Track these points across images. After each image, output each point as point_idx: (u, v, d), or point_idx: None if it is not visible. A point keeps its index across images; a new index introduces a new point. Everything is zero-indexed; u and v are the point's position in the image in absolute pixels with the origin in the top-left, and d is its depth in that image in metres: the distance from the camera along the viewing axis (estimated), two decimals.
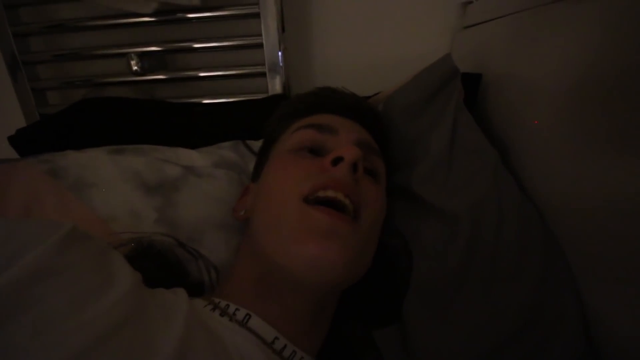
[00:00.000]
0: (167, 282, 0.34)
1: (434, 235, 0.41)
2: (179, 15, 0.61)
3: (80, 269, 0.24)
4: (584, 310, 0.36)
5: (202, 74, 0.65)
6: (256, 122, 0.49)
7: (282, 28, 0.60)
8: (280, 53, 0.61)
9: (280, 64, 0.61)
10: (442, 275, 0.39)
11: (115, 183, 0.44)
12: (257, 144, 0.53)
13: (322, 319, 0.35)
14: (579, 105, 0.36)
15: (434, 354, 0.37)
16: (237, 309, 0.31)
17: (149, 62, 0.65)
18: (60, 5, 0.66)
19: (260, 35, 0.60)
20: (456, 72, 0.48)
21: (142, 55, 0.64)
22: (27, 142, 0.53)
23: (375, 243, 0.36)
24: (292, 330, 0.31)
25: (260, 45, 0.61)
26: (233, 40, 0.63)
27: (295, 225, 0.30)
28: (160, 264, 0.39)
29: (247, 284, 0.33)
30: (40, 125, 0.57)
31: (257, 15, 0.59)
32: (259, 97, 0.62)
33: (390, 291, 0.42)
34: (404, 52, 0.68)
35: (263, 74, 0.63)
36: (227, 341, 0.28)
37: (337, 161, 0.32)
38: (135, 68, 0.64)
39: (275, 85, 0.62)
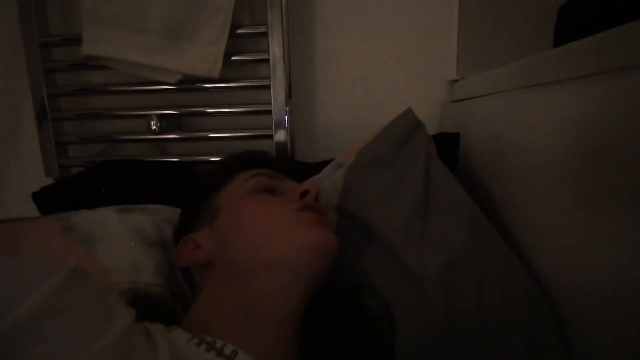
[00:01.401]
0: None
1: (414, 299, 0.41)
2: (198, 85, 0.68)
3: (83, 306, 0.25)
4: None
5: (213, 135, 0.71)
6: None
7: (290, 94, 0.67)
8: (286, 117, 0.67)
9: (286, 127, 0.67)
10: (426, 341, 0.38)
11: (120, 237, 0.47)
12: None
13: (294, 348, 0.36)
14: (554, 167, 0.40)
15: None
16: (224, 345, 0.32)
17: (167, 122, 0.72)
18: (92, 72, 0.74)
19: (270, 103, 0.67)
20: (419, 123, 0.53)
21: (161, 117, 0.70)
22: (48, 199, 0.57)
23: None
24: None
25: (268, 112, 0.68)
26: (244, 107, 0.70)
27: (296, 223, 0.37)
28: (152, 313, 0.40)
29: (234, 320, 0.35)
30: (61, 185, 0.63)
31: (267, 87, 0.67)
32: None
33: (374, 358, 0.41)
34: None
35: (269, 136, 0.69)
36: None
37: (304, 194, 0.42)
38: (154, 128, 0.70)
39: (280, 144, 0.68)
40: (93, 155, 0.74)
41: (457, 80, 0.71)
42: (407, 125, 0.52)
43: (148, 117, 0.70)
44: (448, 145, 0.60)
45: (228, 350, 0.31)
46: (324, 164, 0.62)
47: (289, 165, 0.51)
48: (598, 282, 0.33)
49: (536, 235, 0.44)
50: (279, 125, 0.67)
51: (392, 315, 0.41)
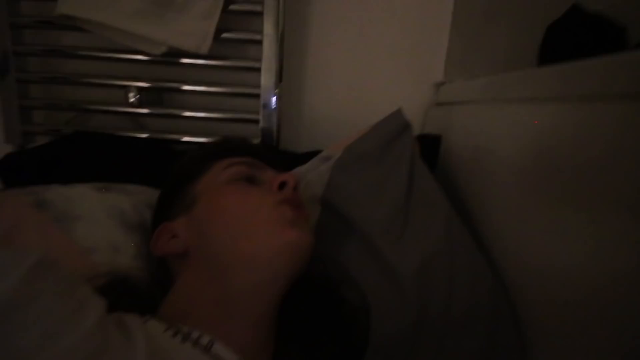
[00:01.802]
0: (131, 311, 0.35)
1: (390, 293, 0.43)
2: (183, 59, 0.65)
3: (51, 299, 0.24)
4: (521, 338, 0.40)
5: (195, 114, 0.68)
6: None
7: (280, 77, 0.66)
8: (274, 102, 0.66)
9: (274, 112, 0.66)
10: (399, 334, 0.41)
11: (99, 217, 0.45)
12: None
13: (269, 340, 0.36)
14: (521, 175, 0.44)
15: None
16: (200, 335, 0.31)
17: (146, 96, 0.68)
18: (65, 33, 0.68)
19: (258, 86, 0.66)
20: (407, 125, 0.55)
21: (140, 89, 0.67)
22: (13, 169, 0.53)
23: None
24: (251, 353, 0.33)
25: (257, 96, 0.66)
26: (231, 88, 0.68)
27: (275, 220, 0.36)
28: (130, 298, 0.39)
29: (210, 311, 0.35)
30: (28, 154, 0.58)
31: (256, 69, 0.65)
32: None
33: (350, 349, 0.42)
34: (382, 117, 0.77)
35: (255, 121, 0.68)
36: None
37: (282, 185, 0.41)
38: (132, 100, 0.66)
39: (267, 130, 0.67)
40: (61, 124, 0.69)
41: (443, 83, 0.73)
42: (397, 126, 0.54)
43: (126, 89, 0.66)
44: (430, 146, 0.63)
45: (204, 340, 0.31)
46: (310, 154, 0.62)
47: (270, 154, 0.49)
48: (552, 275, 0.37)
49: (501, 234, 0.48)
50: (267, 110, 0.66)
51: (369, 307, 0.43)
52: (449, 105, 0.69)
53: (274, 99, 0.66)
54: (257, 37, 0.64)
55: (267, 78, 0.65)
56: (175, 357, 0.29)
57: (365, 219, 0.47)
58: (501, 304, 0.42)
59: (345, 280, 0.44)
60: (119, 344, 0.26)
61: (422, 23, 0.72)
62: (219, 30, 0.61)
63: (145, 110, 0.67)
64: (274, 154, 0.52)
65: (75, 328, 0.23)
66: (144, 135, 0.67)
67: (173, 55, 0.64)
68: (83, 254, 0.42)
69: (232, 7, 0.63)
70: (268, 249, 0.35)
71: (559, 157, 0.38)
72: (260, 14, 0.63)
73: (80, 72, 0.68)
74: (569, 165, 0.36)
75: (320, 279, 0.43)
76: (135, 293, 0.40)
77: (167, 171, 0.56)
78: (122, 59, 0.66)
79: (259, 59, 0.65)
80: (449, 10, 0.70)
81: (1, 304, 0.21)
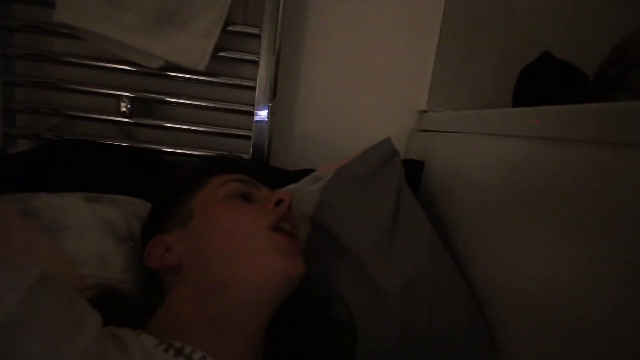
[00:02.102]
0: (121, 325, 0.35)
1: (376, 311, 0.45)
2: (177, 73, 0.66)
3: (54, 313, 0.24)
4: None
5: (189, 127, 0.69)
6: None
7: (274, 95, 0.68)
8: (267, 120, 0.68)
9: (267, 130, 0.68)
10: (384, 351, 0.43)
11: (88, 229, 0.45)
12: None
13: (259, 358, 0.37)
14: (495, 199, 0.48)
15: None
16: (193, 351, 0.32)
17: (138, 106, 0.68)
18: (58, 39, 0.67)
19: (251, 104, 0.68)
20: (395, 152, 0.59)
21: (133, 99, 0.67)
22: None
23: None
24: None
25: (250, 113, 0.68)
26: (224, 104, 0.69)
27: (269, 248, 0.37)
28: (121, 311, 0.39)
29: (201, 327, 0.35)
30: (14, 159, 0.56)
31: (249, 88, 0.67)
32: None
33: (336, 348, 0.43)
34: (368, 139, 0.80)
35: (247, 137, 0.69)
36: None
37: (278, 203, 0.42)
38: (123, 109, 0.66)
39: (258, 146, 0.68)
40: (45, 129, 0.68)
41: (426, 112, 0.78)
42: (386, 153, 0.57)
43: (119, 98, 0.66)
44: (413, 170, 0.67)
45: (197, 356, 0.31)
46: (300, 172, 0.64)
47: (264, 172, 0.51)
48: (521, 290, 0.41)
49: (475, 254, 0.52)
50: (259, 125, 0.68)
51: (355, 324, 0.45)
52: (431, 132, 0.74)
53: (266, 115, 0.67)
54: (254, 57, 0.67)
55: (261, 96, 0.67)
56: None
57: (354, 239, 0.49)
58: (478, 324, 0.45)
59: (333, 297, 0.46)
60: (116, 358, 0.26)
61: (409, 55, 0.77)
62: (216, 48, 0.63)
63: (142, 121, 0.67)
64: (267, 172, 0.53)
65: (77, 342, 0.24)
66: (133, 145, 0.67)
67: (167, 68, 0.65)
68: (71, 266, 0.41)
69: (231, 27, 0.65)
70: (261, 274, 0.35)
71: (525, 187, 0.43)
72: (257, 37, 0.66)
73: (69, 78, 0.67)
74: (533, 195, 0.41)
75: (308, 296, 0.44)
76: (125, 306, 0.40)
77: (155, 182, 0.56)
78: (115, 69, 0.66)
79: (254, 78, 0.67)
80: (434, 45, 0.76)
81: (6, 318, 0.22)
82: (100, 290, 0.39)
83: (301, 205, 0.53)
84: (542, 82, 0.54)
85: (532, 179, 0.43)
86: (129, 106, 0.67)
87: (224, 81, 0.69)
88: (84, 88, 0.66)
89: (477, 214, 0.53)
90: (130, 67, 0.65)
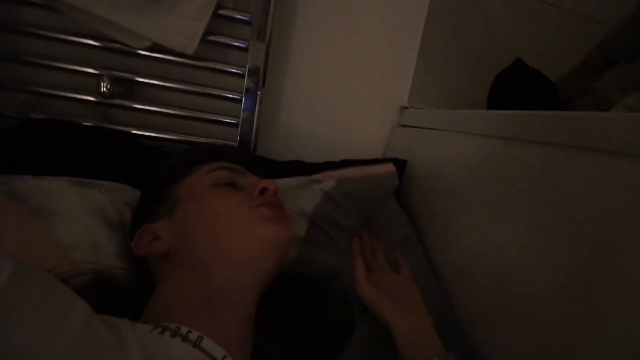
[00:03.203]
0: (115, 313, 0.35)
1: None
2: (163, 55, 0.64)
3: (37, 303, 0.23)
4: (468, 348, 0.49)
5: (173, 111, 0.67)
6: None
7: (263, 83, 0.68)
8: (256, 108, 0.68)
9: (254, 118, 0.68)
10: (373, 335, 0.46)
11: (79, 214, 0.44)
12: None
13: (249, 335, 0.38)
14: (464, 188, 0.54)
15: None
16: (189, 331, 0.32)
17: (118, 87, 0.66)
18: (31, 9, 0.62)
19: (240, 91, 0.67)
20: (396, 186, 0.64)
21: (114, 79, 0.64)
22: None
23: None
24: (234, 348, 0.34)
25: (237, 100, 0.68)
26: (211, 89, 0.68)
27: (252, 219, 0.38)
28: (115, 297, 0.39)
29: (195, 308, 0.35)
30: None
31: (241, 75, 0.67)
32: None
33: (329, 344, 0.45)
34: (352, 133, 0.83)
35: (233, 124, 0.69)
36: None
37: (263, 190, 0.43)
38: (103, 90, 0.63)
39: (245, 134, 0.69)
40: (15, 106, 0.63)
41: (407, 108, 0.82)
42: (388, 190, 0.64)
43: (99, 77, 0.63)
44: (397, 168, 0.69)
45: (193, 336, 0.32)
46: (289, 164, 0.66)
47: (252, 160, 0.51)
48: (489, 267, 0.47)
49: (447, 239, 0.58)
50: (247, 113, 0.68)
51: (351, 303, 0.48)
52: (411, 128, 0.78)
53: (255, 103, 0.68)
54: (244, 43, 0.66)
55: (250, 83, 0.67)
56: (167, 352, 0.29)
57: (346, 242, 0.54)
58: (447, 311, 0.52)
59: (332, 277, 0.49)
60: (110, 345, 0.26)
61: (394, 51, 0.80)
62: (205, 32, 0.62)
63: (125, 103, 0.65)
64: (255, 160, 0.53)
65: (65, 330, 0.23)
66: (114, 128, 0.64)
67: (152, 50, 0.63)
68: (64, 250, 0.40)
69: (222, 11, 0.64)
70: (247, 240, 0.36)
71: (490, 182, 0.50)
72: (248, 23, 0.65)
73: (43, 52, 0.62)
74: (497, 189, 0.47)
75: (308, 275, 0.47)
76: (120, 291, 0.40)
77: (137, 166, 0.57)
78: (95, 46, 0.62)
79: (242, 65, 0.67)
80: (417, 43, 0.80)
81: None
82: (96, 276, 0.39)
83: (300, 201, 0.55)
84: (514, 87, 0.59)
85: (497, 175, 0.48)
86: (109, 86, 0.64)
87: (212, 66, 0.67)
88: (61, 65, 0.62)
89: (448, 205, 0.59)
90: (111, 44, 0.62)
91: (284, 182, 0.58)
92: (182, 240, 0.39)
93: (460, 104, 0.79)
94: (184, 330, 0.32)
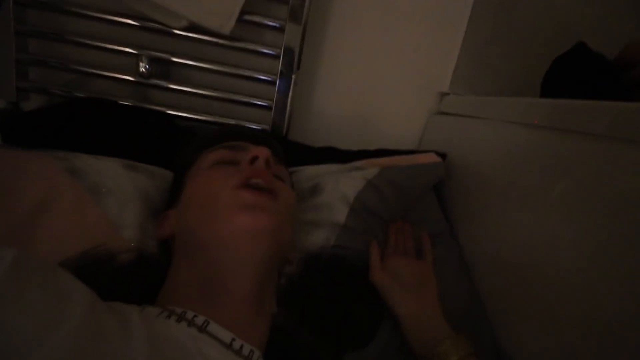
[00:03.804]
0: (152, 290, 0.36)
1: None
2: (199, 35, 0.64)
3: (37, 291, 0.22)
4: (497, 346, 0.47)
5: (210, 93, 0.67)
6: None
7: (298, 66, 0.66)
8: (290, 90, 0.66)
9: (288, 101, 0.67)
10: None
11: (130, 196, 0.45)
12: None
13: (260, 316, 0.37)
14: (509, 185, 0.51)
15: None
16: (195, 316, 0.32)
17: (156, 67, 0.66)
18: None
19: (275, 73, 0.66)
20: (441, 177, 0.62)
21: (152, 59, 0.64)
22: (15, 129, 0.50)
23: (291, 228, 0.42)
24: (243, 330, 0.33)
25: (273, 83, 0.66)
26: (248, 72, 0.67)
27: (230, 206, 0.35)
28: (154, 276, 0.40)
29: (198, 290, 0.35)
30: (34, 115, 0.54)
31: (276, 56, 0.65)
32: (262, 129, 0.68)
33: (368, 315, 0.46)
34: (384, 121, 0.80)
35: (267, 107, 0.68)
36: (190, 347, 0.29)
37: (253, 160, 0.40)
38: (142, 70, 0.64)
39: (278, 118, 0.67)
40: (59, 85, 0.65)
41: (447, 94, 0.77)
42: (432, 176, 0.62)
43: (138, 57, 0.63)
44: None
45: (199, 320, 0.31)
46: (323, 150, 0.64)
47: (259, 134, 0.49)
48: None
49: (484, 233, 0.56)
50: (281, 96, 0.67)
51: None
52: (450, 115, 0.73)
53: (290, 86, 0.66)
54: (279, 23, 0.64)
55: (285, 65, 0.65)
56: (172, 337, 0.29)
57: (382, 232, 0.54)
58: (475, 299, 0.51)
59: (362, 262, 0.49)
60: (113, 330, 0.25)
61: (436, 35, 0.75)
62: (241, 12, 0.60)
63: (162, 83, 0.65)
64: (265, 136, 0.50)
65: (67, 318, 0.22)
66: (151, 108, 0.65)
67: (189, 29, 0.62)
68: (114, 229, 0.42)
69: None
70: (227, 231, 0.35)
71: (536, 177, 0.46)
72: (285, 2, 0.63)
73: (85, 32, 0.64)
74: (547, 186, 0.43)
75: (339, 260, 0.47)
76: (158, 271, 0.40)
77: (170, 147, 0.57)
78: (133, 26, 0.63)
79: (278, 46, 0.65)
80: (463, 26, 0.74)
81: None
82: (140, 254, 0.40)
83: (342, 187, 0.54)
84: (574, 73, 0.53)
85: (544, 168, 0.45)
86: (147, 66, 0.65)
87: (247, 47, 0.66)
88: (102, 44, 0.63)
89: (487, 199, 0.55)
90: (148, 23, 0.62)
91: (324, 168, 0.57)
92: (181, 223, 0.39)
93: (506, 91, 0.73)
94: (189, 314, 0.32)
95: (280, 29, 0.64)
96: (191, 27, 0.61)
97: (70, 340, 0.21)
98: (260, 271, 0.36)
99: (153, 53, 0.64)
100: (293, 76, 0.66)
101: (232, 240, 0.34)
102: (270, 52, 0.66)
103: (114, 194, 0.44)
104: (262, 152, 0.41)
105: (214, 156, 0.42)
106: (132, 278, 0.38)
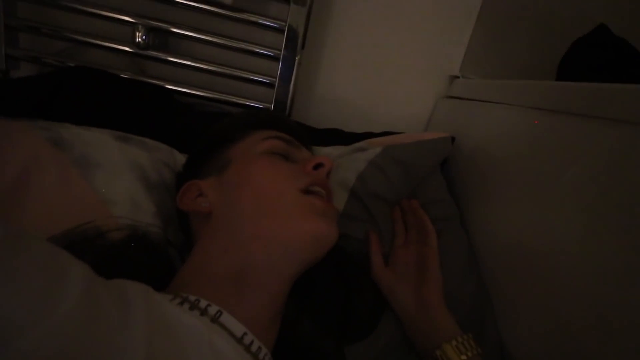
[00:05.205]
0: (147, 270, 0.34)
1: None
2: (203, 5, 0.60)
3: (30, 270, 0.21)
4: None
5: (211, 68, 0.64)
6: None
7: (303, 45, 0.63)
8: (294, 69, 0.63)
9: (292, 80, 0.64)
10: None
11: (120, 169, 0.43)
12: None
13: (278, 315, 0.36)
14: (518, 171, 0.49)
15: None
16: (208, 305, 0.30)
17: (154, 38, 0.63)
18: None
19: (279, 49, 0.63)
20: (449, 153, 0.59)
21: (149, 29, 0.61)
22: (8, 98, 0.48)
23: None
24: (258, 327, 0.32)
25: (276, 58, 0.63)
26: (251, 46, 0.64)
27: (301, 208, 0.35)
28: (149, 254, 0.38)
29: (221, 282, 0.33)
30: (26, 83, 0.51)
31: (281, 31, 0.62)
32: (262, 106, 0.65)
33: (369, 305, 0.45)
34: (391, 103, 0.77)
35: (269, 84, 0.65)
36: (202, 336, 0.27)
37: (317, 166, 0.41)
38: (138, 40, 0.61)
39: (281, 97, 0.65)
40: (51, 53, 0.62)
41: (458, 77, 0.74)
42: (441, 154, 0.58)
43: (134, 26, 0.60)
44: None
45: (212, 310, 0.30)
46: (327, 131, 0.62)
47: (307, 134, 0.49)
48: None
49: (493, 222, 0.53)
50: (285, 75, 0.64)
51: None
52: (459, 99, 0.71)
53: (294, 63, 0.63)
54: None
55: (289, 40, 0.62)
56: (178, 325, 0.27)
57: (386, 218, 0.51)
58: (481, 286, 0.49)
59: (362, 252, 0.47)
60: (111, 312, 0.23)
61: (448, 15, 0.72)
62: None
63: (160, 55, 0.62)
64: (309, 134, 0.50)
65: (62, 297, 0.21)
66: (147, 80, 0.62)
67: None
68: (103, 204, 0.39)
69: None
70: (292, 232, 0.34)
71: (549, 162, 0.44)
72: None
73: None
74: (559, 172, 0.41)
75: (339, 250, 0.44)
76: (154, 249, 0.39)
77: (167, 122, 0.56)
78: None
79: (283, 19, 0.62)
80: (476, 7, 0.71)
81: None
82: (132, 232, 0.38)
83: (341, 171, 0.52)
84: (594, 56, 0.51)
85: (558, 154, 0.43)
86: (144, 37, 0.61)
87: (251, 18, 0.63)
88: (97, 11, 0.59)
89: (496, 186, 0.53)
90: None
91: (324, 151, 0.55)
92: (226, 203, 0.37)
93: (518, 75, 0.71)
94: (203, 303, 0.30)
95: (286, 1, 0.61)
96: None
97: (67, 318, 0.20)
98: (298, 274, 0.35)
99: (151, 22, 0.60)
100: (297, 57, 0.63)
101: (295, 242, 0.34)
102: (274, 24, 0.63)
103: (103, 167, 0.41)
104: (327, 161, 0.41)
105: (268, 144, 0.41)
106: (124, 258, 0.36)
